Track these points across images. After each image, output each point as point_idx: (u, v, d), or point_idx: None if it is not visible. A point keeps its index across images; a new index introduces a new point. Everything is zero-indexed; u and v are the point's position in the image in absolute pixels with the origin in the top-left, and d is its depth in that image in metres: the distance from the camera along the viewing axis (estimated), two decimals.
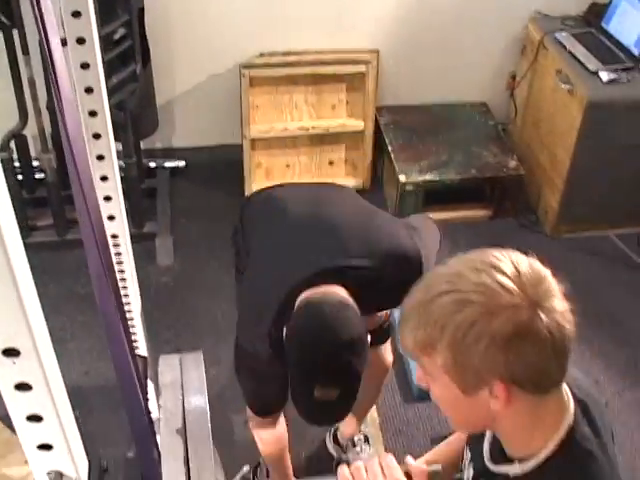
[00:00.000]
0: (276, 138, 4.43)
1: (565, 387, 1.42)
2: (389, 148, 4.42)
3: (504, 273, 1.28)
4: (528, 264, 1.32)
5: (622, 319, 4.00)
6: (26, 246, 0.92)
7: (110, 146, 1.96)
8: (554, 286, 1.32)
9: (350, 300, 2.06)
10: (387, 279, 2.14)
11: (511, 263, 1.31)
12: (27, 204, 4.14)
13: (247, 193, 4.48)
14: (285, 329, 2.02)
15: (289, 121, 4.42)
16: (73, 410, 1.15)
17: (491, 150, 4.47)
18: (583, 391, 1.48)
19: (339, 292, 2.07)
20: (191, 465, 1.14)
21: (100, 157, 1.97)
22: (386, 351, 2.87)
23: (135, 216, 4.11)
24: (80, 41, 1.77)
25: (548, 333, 1.26)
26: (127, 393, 1.19)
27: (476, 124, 4.67)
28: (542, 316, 1.26)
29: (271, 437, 2.61)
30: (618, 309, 4.05)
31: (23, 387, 0.99)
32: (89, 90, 1.81)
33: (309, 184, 2.56)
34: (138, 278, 2.70)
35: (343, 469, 1.43)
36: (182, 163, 4.61)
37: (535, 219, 4.53)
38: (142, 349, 2.62)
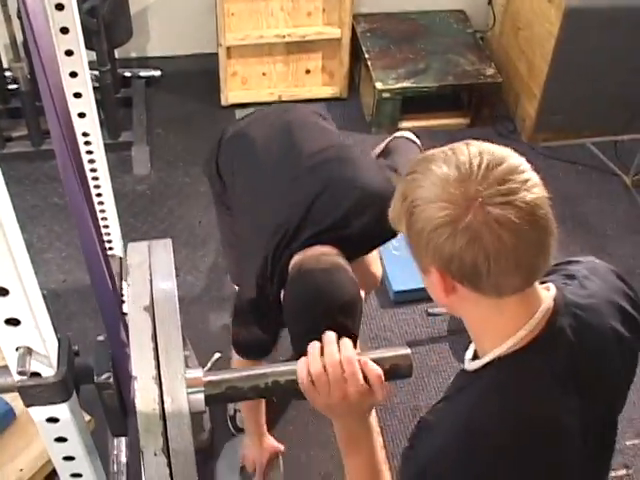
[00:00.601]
0: (252, 46, 4.37)
1: (547, 296, 1.36)
2: (366, 56, 4.38)
3: (458, 162, 1.24)
4: (491, 156, 1.26)
5: (597, 226, 4.03)
6: (1, 157, 0.91)
7: (79, 41, 1.93)
8: (517, 178, 1.24)
9: (341, 260, 2.07)
10: (368, 225, 2.15)
11: (471, 155, 1.26)
12: (1, 115, 4.10)
13: (223, 102, 4.45)
14: (282, 293, 2.09)
15: (265, 28, 4.36)
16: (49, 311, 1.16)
17: (469, 58, 4.44)
18: (584, 305, 1.42)
19: (330, 253, 2.08)
20: (159, 340, 1.15)
21: (69, 52, 1.94)
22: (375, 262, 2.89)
23: (111, 126, 4.08)
24: None
25: (482, 233, 1.20)
26: (94, 274, 1.20)
27: (454, 32, 4.63)
28: (478, 214, 1.20)
29: None
30: (594, 216, 4.08)
31: None
32: None
33: (280, 118, 2.44)
34: (115, 188, 2.70)
35: (301, 361, 1.38)
36: (157, 72, 4.55)
37: (513, 127, 4.52)
38: (118, 251, 2.63)
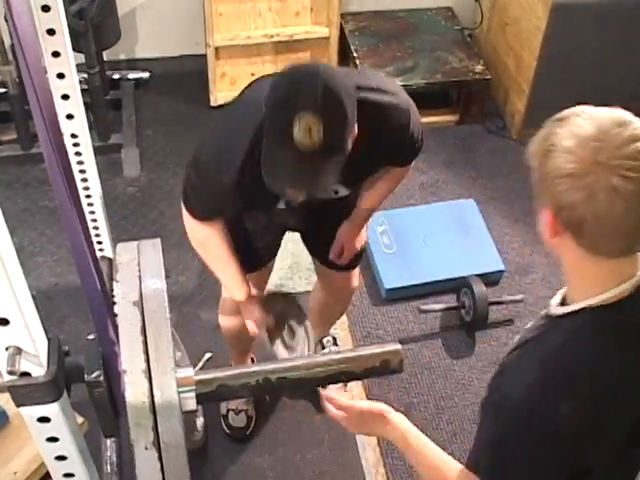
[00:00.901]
0: (240, 46, 4.37)
1: None
2: (354, 55, 4.39)
3: (601, 125, 1.34)
4: (631, 132, 1.34)
5: None
6: None
7: (65, 43, 1.93)
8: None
9: None
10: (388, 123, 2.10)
11: (616, 122, 1.35)
12: None
13: (212, 103, 4.45)
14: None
15: (253, 29, 4.36)
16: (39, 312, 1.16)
17: (457, 55, 4.44)
18: None
19: None
20: (148, 334, 1.15)
21: (56, 54, 1.94)
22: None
23: (100, 128, 4.08)
24: None
25: (598, 196, 1.30)
26: (84, 274, 1.20)
27: (442, 29, 4.63)
28: (601, 178, 1.30)
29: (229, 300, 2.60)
30: None
31: None
32: None
33: None
34: (105, 190, 2.70)
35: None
36: (146, 74, 4.55)
37: (502, 124, 4.53)
38: (108, 252, 2.63)
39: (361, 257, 2.72)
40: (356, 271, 2.83)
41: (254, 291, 2.43)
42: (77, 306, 3.35)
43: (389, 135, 2.10)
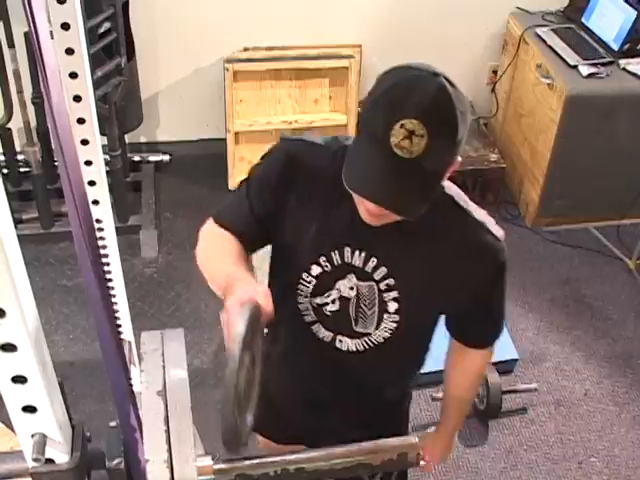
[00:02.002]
0: (259, 132, 4.46)
1: None
2: None
3: None
4: None
5: (601, 310, 4.05)
6: None
7: (94, 131, 1.99)
8: None
9: None
10: None
11: None
12: (12, 197, 4.16)
13: (231, 187, 4.52)
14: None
15: (272, 115, 4.45)
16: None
17: (473, 144, 4.52)
18: None
19: None
20: (170, 424, 1.17)
21: (84, 142, 2.00)
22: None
23: (120, 209, 4.14)
24: (65, 26, 1.80)
25: None
26: (108, 358, 1.23)
27: None
28: None
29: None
30: (598, 300, 4.11)
31: (8, 348, 1.02)
32: (73, 75, 1.84)
33: None
34: (123, 270, 2.73)
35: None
36: (166, 157, 4.65)
37: (517, 212, 4.58)
38: (127, 334, 2.65)
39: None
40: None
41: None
42: (92, 387, 3.36)
43: (472, 269, 1.78)
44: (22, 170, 4.17)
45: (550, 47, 4.30)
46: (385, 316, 1.81)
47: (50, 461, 1.19)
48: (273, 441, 2.29)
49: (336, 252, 1.77)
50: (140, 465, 1.31)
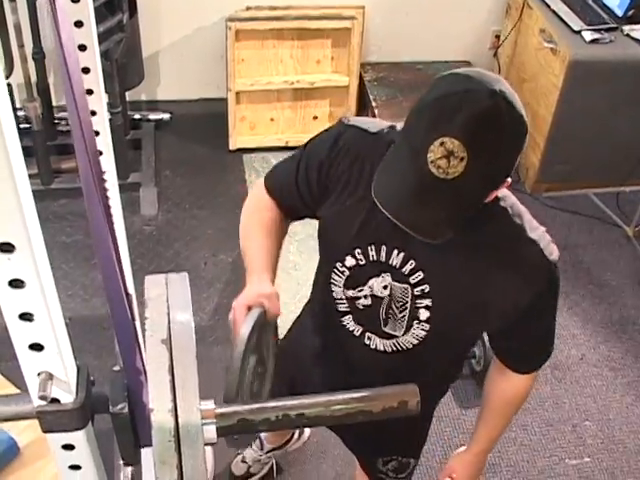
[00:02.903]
0: (261, 92, 4.45)
1: None
2: (373, 104, 4.45)
3: None
4: None
5: (599, 276, 4.06)
6: None
7: (99, 81, 1.99)
8: None
9: None
10: None
11: None
12: None
13: (231, 147, 4.51)
14: None
15: (274, 75, 4.44)
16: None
17: None
18: None
19: None
20: (175, 373, 1.18)
21: (89, 91, 1.99)
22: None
23: (120, 167, 4.10)
24: None
25: None
26: (114, 299, 1.24)
27: None
28: None
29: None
30: (596, 267, 4.12)
31: (17, 284, 1.02)
32: (79, 24, 1.83)
33: None
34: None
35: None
36: (167, 115, 4.63)
37: (516, 177, 4.58)
38: (129, 288, 2.65)
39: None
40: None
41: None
42: (90, 342, 3.38)
43: (517, 286, 1.68)
44: (22, 126, 4.14)
45: (554, 12, 4.28)
46: (415, 323, 1.76)
47: (56, 401, 1.20)
48: None
49: (372, 247, 1.71)
50: (144, 409, 1.32)
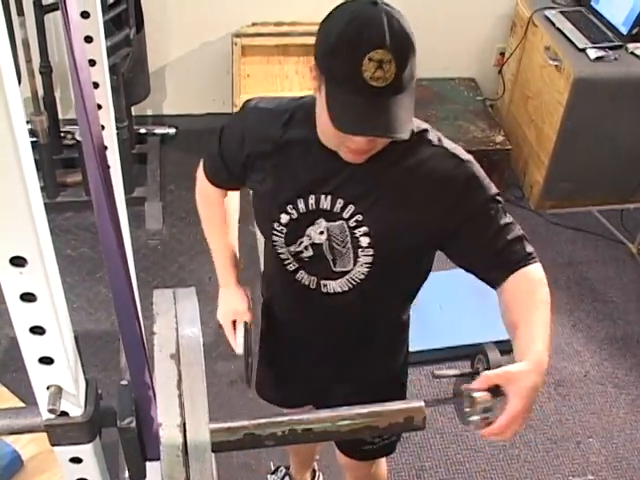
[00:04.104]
0: None
1: None
2: None
3: None
4: None
5: (603, 293, 4.06)
6: None
7: (107, 95, 2.01)
8: None
9: None
10: None
11: None
12: None
13: None
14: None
15: (279, 91, 4.45)
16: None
17: (478, 125, 4.52)
18: None
19: None
20: (184, 387, 1.18)
21: (98, 106, 2.01)
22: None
23: (125, 181, 4.12)
24: None
25: None
26: (123, 312, 1.24)
27: (464, 99, 4.72)
28: None
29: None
30: (599, 283, 4.12)
31: (28, 298, 1.03)
32: (89, 39, 1.85)
33: None
34: None
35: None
36: (172, 130, 4.65)
37: (521, 194, 4.59)
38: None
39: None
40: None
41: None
42: (95, 356, 3.39)
43: (442, 195, 1.78)
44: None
45: (559, 29, 4.30)
46: (359, 252, 1.84)
47: (64, 414, 1.21)
48: (285, 407, 2.42)
49: (301, 200, 1.83)
50: (152, 423, 1.32)
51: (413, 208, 1.79)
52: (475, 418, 1.56)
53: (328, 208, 1.81)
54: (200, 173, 2.23)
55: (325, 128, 1.66)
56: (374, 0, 1.58)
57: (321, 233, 1.85)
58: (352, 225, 1.81)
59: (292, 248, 1.90)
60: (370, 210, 1.79)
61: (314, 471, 3.13)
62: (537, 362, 1.63)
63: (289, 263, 1.95)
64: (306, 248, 1.89)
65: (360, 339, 2.09)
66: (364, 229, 1.81)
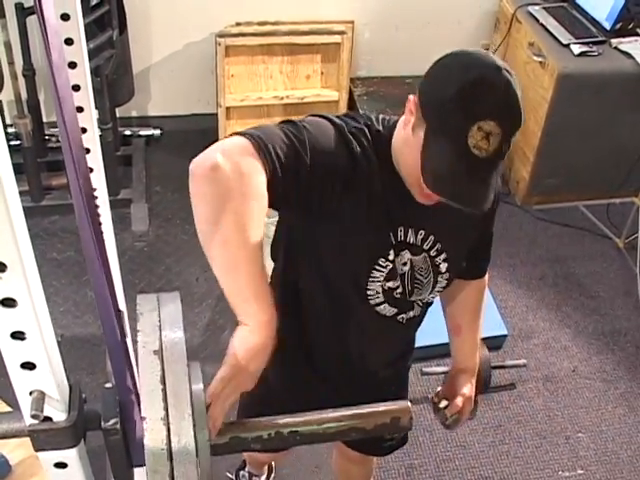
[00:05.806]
0: (251, 107, 4.46)
1: None
2: None
3: None
4: None
5: (590, 288, 4.07)
6: None
7: (89, 98, 1.99)
8: None
9: None
10: None
11: None
12: None
13: None
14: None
15: (264, 90, 4.45)
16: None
17: None
18: None
19: None
20: (167, 382, 1.18)
21: (79, 109, 2.00)
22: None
23: (110, 183, 4.11)
24: None
25: None
26: (105, 319, 1.24)
27: None
28: None
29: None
30: (586, 279, 4.13)
31: (9, 303, 1.02)
32: (69, 41, 1.84)
33: None
34: None
35: None
36: (157, 131, 4.64)
37: (507, 190, 4.59)
38: (121, 304, 2.65)
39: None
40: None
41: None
42: (82, 359, 3.38)
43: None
44: (12, 143, 4.14)
45: (542, 25, 4.31)
46: (439, 278, 1.89)
47: (48, 419, 1.20)
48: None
49: (391, 234, 1.78)
50: (135, 428, 1.32)
51: (470, 225, 1.89)
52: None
53: (413, 241, 1.81)
54: (237, 148, 1.51)
55: (411, 170, 1.63)
56: (499, 65, 1.54)
57: (404, 264, 1.82)
58: (433, 255, 1.85)
59: (390, 284, 1.83)
60: (447, 236, 1.84)
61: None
62: (474, 372, 2.31)
63: (374, 298, 1.84)
64: (395, 280, 1.84)
65: (407, 344, 2.23)
66: (443, 256, 1.86)
